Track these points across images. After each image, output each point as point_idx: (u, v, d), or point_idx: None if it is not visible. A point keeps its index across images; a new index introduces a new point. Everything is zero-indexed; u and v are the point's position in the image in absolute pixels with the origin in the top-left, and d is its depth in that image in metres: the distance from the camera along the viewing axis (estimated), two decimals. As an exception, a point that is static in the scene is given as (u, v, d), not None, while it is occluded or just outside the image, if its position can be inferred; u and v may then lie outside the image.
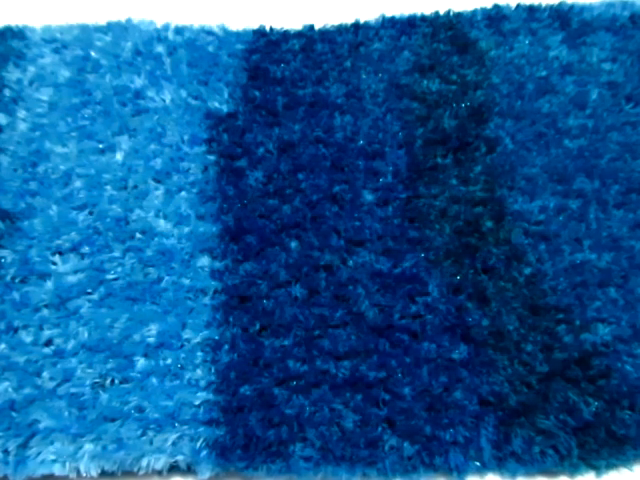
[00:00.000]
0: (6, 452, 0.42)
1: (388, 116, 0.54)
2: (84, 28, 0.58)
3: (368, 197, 0.51)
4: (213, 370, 0.44)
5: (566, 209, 0.50)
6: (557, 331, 0.45)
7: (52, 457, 0.41)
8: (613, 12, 0.58)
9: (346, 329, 0.46)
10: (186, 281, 0.47)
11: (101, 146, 0.53)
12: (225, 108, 0.55)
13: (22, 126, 0.54)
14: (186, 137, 0.53)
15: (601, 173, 0.51)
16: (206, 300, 0.47)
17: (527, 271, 0.47)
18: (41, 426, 0.42)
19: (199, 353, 0.45)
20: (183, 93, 0.55)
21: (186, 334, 0.45)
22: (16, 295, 0.46)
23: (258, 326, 0.46)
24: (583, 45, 0.57)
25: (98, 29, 0.58)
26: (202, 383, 0.44)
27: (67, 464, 0.41)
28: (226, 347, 0.45)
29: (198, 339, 0.45)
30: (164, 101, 0.55)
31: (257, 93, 0.56)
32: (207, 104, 0.55)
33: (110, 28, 0.58)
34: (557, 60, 0.57)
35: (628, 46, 0.57)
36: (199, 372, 0.44)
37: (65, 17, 0.59)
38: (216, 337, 0.45)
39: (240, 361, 0.44)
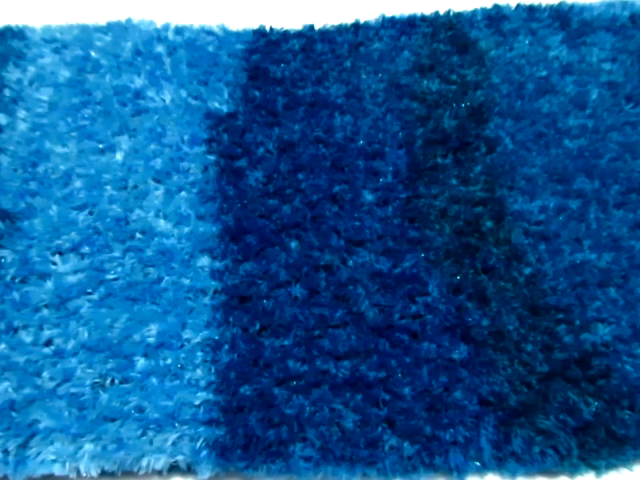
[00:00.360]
0: (6, 452, 0.42)
1: (388, 116, 0.54)
2: (84, 28, 0.58)
3: (368, 197, 0.51)
4: (213, 370, 0.44)
5: (566, 209, 0.50)
6: (557, 331, 0.45)
7: (52, 457, 0.41)
8: (613, 12, 0.58)
9: (346, 329, 0.46)
10: (186, 281, 0.47)
11: (101, 146, 0.53)
12: (225, 108, 0.55)
13: (22, 126, 0.54)
14: (186, 137, 0.53)
15: (601, 173, 0.51)
16: (206, 300, 0.47)
17: (527, 271, 0.47)
18: (41, 426, 0.42)
19: (199, 353, 0.45)
20: (183, 93, 0.55)
21: (186, 334, 0.45)
22: (16, 295, 0.46)
23: (258, 326, 0.46)
24: (583, 45, 0.57)
25: (98, 29, 0.58)
26: (202, 383, 0.44)
27: (67, 464, 0.41)
28: (226, 347, 0.45)
29: (198, 339, 0.45)
30: (164, 101, 0.55)
31: (257, 93, 0.56)
32: (207, 104, 0.55)
33: (110, 28, 0.58)
34: (557, 60, 0.56)
35: (628, 46, 0.57)
36: (199, 372, 0.44)
37: (65, 17, 0.59)
38: (216, 337, 0.45)
39: (240, 361, 0.44)
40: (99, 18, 0.59)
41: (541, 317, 0.46)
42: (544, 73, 0.56)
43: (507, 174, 0.51)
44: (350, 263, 0.48)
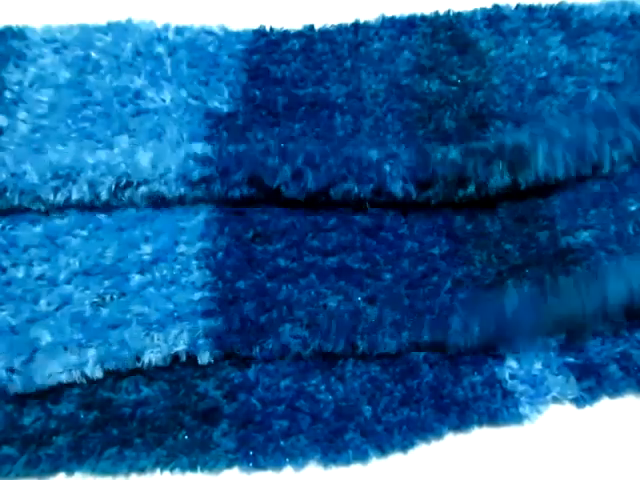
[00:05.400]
0: (11, 370, 0.42)
1: (389, 116, 0.54)
2: (84, 28, 0.58)
3: None
4: (208, 273, 0.46)
5: None
6: (538, 235, 0.48)
7: (58, 369, 0.42)
8: (613, 12, 0.58)
9: (337, 231, 0.48)
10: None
11: (100, 147, 0.52)
12: (225, 108, 0.55)
13: (22, 128, 0.53)
14: (185, 137, 0.53)
15: None
16: (200, 217, 0.49)
17: None
18: (43, 342, 0.43)
19: (194, 261, 0.47)
20: (183, 93, 0.55)
21: (180, 249, 0.47)
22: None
23: (251, 234, 0.48)
24: (583, 45, 0.57)
25: (98, 29, 0.58)
26: (198, 284, 0.46)
27: (73, 372, 0.42)
28: (220, 254, 0.47)
29: (193, 250, 0.47)
30: (164, 101, 0.55)
31: (257, 93, 0.55)
32: (207, 104, 0.55)
33: (110, 28, 0.58)
34: (557, 60, 0.56)
35: (628, 46, 0.57)
36: (195, 275, 0.46)
37: (65, 17, 0.59)
38: (210, 247, 0.47)
39: (234, 262, 0.47)
40: (99, 18, 0.59)
41: (525, 224, 0.48)
42: (544, 74, 0.56)
43: None
44: None
